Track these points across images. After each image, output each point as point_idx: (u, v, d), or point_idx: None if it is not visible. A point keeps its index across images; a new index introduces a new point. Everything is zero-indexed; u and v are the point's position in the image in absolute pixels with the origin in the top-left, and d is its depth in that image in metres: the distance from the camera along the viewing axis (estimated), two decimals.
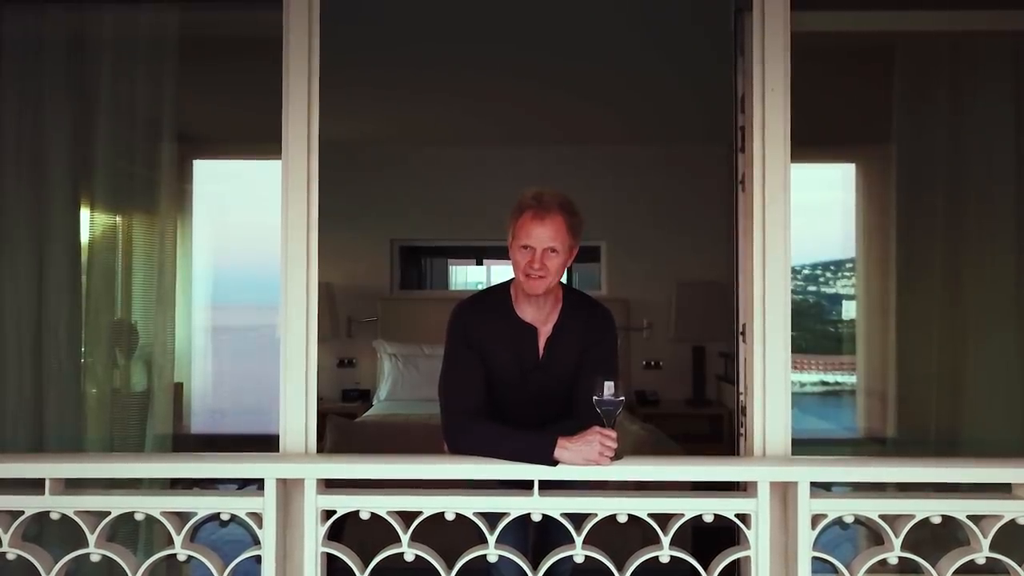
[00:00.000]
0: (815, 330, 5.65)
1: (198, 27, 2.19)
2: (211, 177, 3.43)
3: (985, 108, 2.15)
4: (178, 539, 1.68)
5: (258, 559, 1.70)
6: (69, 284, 2.07)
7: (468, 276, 8.78)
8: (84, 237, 2.12)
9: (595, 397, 1.60)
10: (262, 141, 2.51)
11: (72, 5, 2.08)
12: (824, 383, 5.49)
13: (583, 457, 1.59)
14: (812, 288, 6.12)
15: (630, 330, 5.26)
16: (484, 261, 8.27)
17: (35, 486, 1.70)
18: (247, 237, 4.82)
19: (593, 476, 1.65)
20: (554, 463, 1.61)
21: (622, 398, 1.60)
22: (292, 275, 1.81)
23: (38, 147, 2.07)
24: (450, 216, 5.36)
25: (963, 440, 2.11)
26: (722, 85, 2.14)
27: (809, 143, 3.37)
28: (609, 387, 1.58)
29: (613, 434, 1.60)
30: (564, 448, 1.60)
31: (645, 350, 5.30)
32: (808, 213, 2.73)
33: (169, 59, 2.12)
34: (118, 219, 2.22)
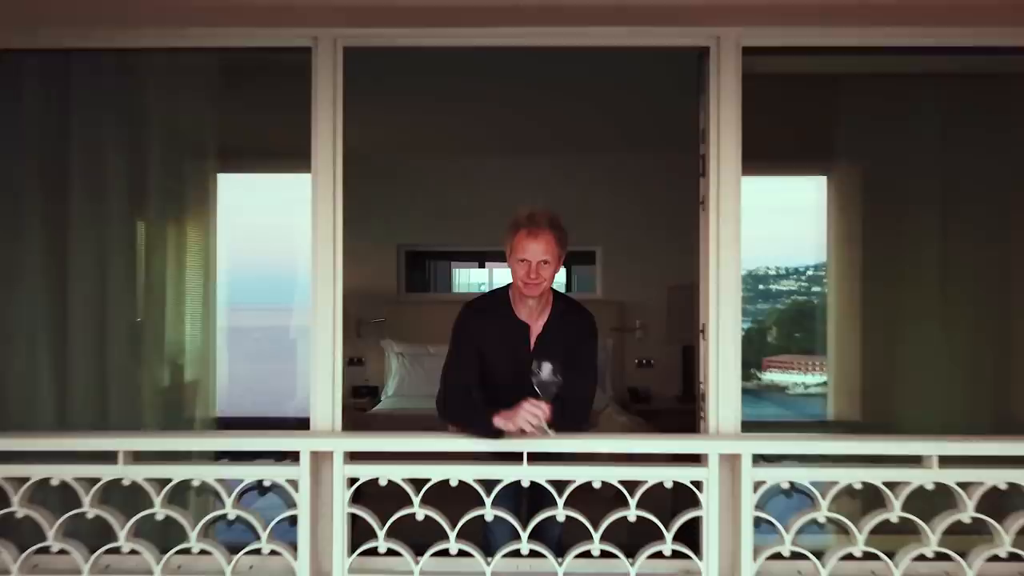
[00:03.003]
0: (819, 331, 5.92)
1: (228, 60, 2.51)
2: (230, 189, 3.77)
3: (918, 134, 2.48)
4: (228, 501, 2.02)
5: (293, 519, 2.04)
6: (127, 286, 2.40)
7: (471, 278, 9.09)
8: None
9: (532, 375, 1.93)
10: (277, 156, 2.85)
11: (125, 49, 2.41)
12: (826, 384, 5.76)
13: (513, 422, 1.92)
14: (816, 288, 6.31)
15: (624, 330, 5.59)
16: (486, 264, 8.59)
17: (107, 458, 2.05)
18: (255, 244, 5.13)
19: (580, 449, 2.00)
20: (497, 433, 1.95)
21: (558, 378, 1.93)
22: (321, 279, 2.15)
23: (98, 165, 2.40)
24: (454, 221, 5.68)
25: (913, 421, 2.41)
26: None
27: (786, 157, 3.69)
28: (546, 367, 1.93)
29: (542, 405, 1.93)
30: (498, 416, 1.94)
31: (638, 349, 5.62)
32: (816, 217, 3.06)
33: (205, 90, 2.44)
34: (164, 229, 2.55)
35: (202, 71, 2.38)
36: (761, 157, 2.31)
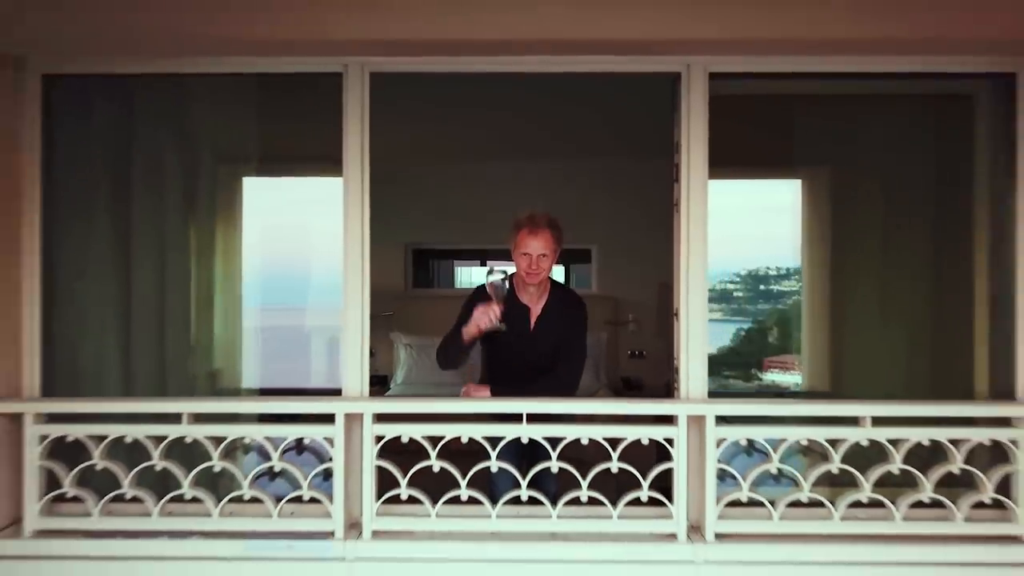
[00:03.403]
0: None
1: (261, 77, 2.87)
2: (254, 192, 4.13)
3: (868, 144, 2.86)
4: (275, 455, 2.41)
5: (326, 474, 2.42)
6: (178, 277, 2.78)
7: (472, 276, 9.48)
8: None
9: (486, 278, 2.50)
10: (300, 161, 3.21)
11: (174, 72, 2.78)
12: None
13: (475, 323, 2.49)
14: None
15: (617, 324, 5.97)
16: (487, 262, 9.00)
17: (171, 420, 2.43)
18: (275, 245, 5.47)
19: (573, 410, 2.38)
20: (463, 338, 2.55)
21: (505, 284, 2.52)
22: (351, 269, 2.52)
23: (152, 172, 2.76)
24: (456, 222, 6.08)
25: (866, 390, 2.77)
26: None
27: (764, 163, 4.06)
28: (497, 274, 2.49)
29: (494, 306, 2.52)
30: (464, 326, 2.48)
31: (631, 342, 6.00)
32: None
33: (240, 104, 2.82)
34: (205, 228, 2.92)
35: (240, 88, 2.76)
36: (742, 163, 2.69)
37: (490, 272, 2.50)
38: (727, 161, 2.66)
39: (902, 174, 2.84)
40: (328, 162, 2.69)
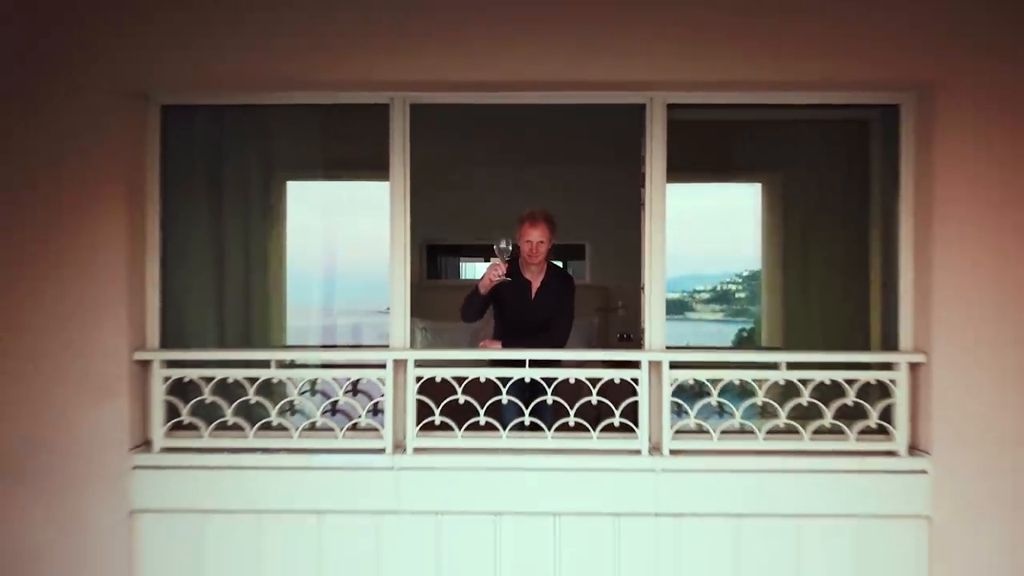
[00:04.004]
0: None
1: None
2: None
3: (805, 157, 3.68)
4: (339, 391, 3.22)
5: (375, 408, 3.23)
6: (259, 262, 3.60)
7: (476, 272, 10.33)
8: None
9: (495, 244, 3.33)
10: (347, 167, 4.04)
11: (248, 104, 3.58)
12: None
13: (487, 276, 3.33)
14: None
15: (608, 310, 6.78)
16: (491, 258, 9.83)
17: (261, 365, 3.24)
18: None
19: (561, 357, 3.19)
20: (480, 292, 3.37)
21: (509, 247, 3.34)
22: (396, 259, 3.33)
23: (239, 178, 3.58)
24: (467, 221, 6.89)
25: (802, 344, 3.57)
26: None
27: (727, 168, 4.87)
28: (504, 241, 3.33)
29: (499, 264, 3.35)
30: (479, 283, 3.28)
31: (620, 326, 6.78)
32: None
33: (304, 127, 3.64)
34: (265, 223, 3.75)
35: (303, 112, 3.57)
36: (711, 169, 3.53)
37: (501, 242, 3.33)
38: (691, 168, 3.48)
39: (819, 182, 3.67)
40: (370, 167, 3.53)
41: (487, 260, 10.32)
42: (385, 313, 3.33)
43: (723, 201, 5.78)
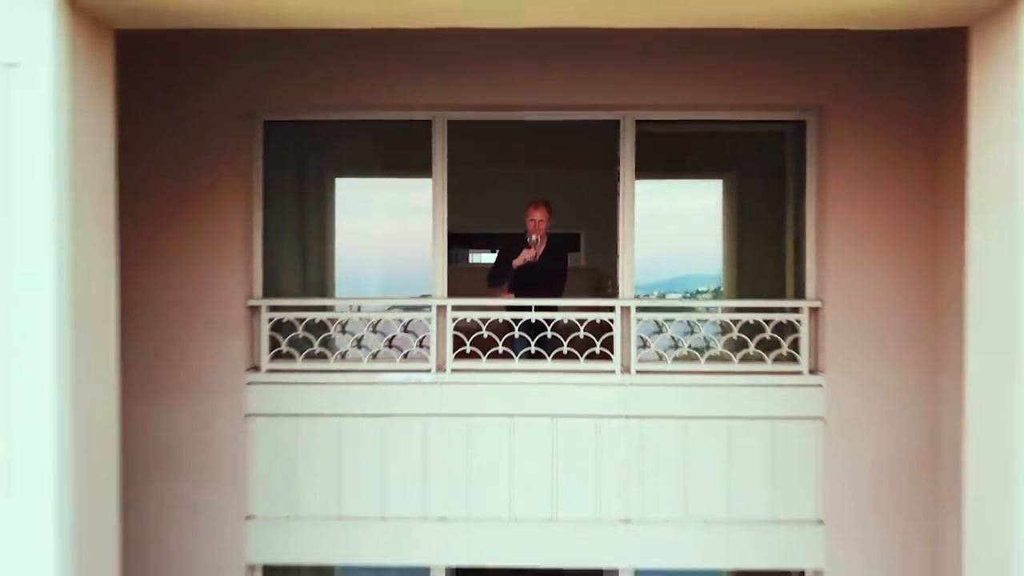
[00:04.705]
0: None
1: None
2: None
3: (758, 160, 4.90)
4: (398, 328, 4.43)
5: (421, 341, 4.45)
6: (328, 236, 4.83)
7: (481, 257, 11.65)
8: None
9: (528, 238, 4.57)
10: (391, 168, 5.28)
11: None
12: None
13: (522, 257, 4.57)
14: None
15: (599, 290, 7.99)
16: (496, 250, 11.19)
17: (335, 311, 4.46)
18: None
19: (560, 303, 4.42)
20: (513, 266, 4.56)
21: (536, 240, 4.56)
22: (438, 243, 4.54)
23: (317, 176, 4.81)
24: (476, 214, 8.10)
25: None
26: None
27: (697, 168, 6.08)
28: (534, 237, 4.62)
29: (532, 251, 4.56)
30: (509, 261, 4.55)
31: None
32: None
33: (359, 139, 4.88)
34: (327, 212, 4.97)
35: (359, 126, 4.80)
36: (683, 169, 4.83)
37: (529, 237, 4.59)
38: (664, 168, 4.72)
39: (758, 178, 4.90)
40: (411, 168, 4.77)
41: (493, 251, 11.69)
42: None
43: (695, 194, 7.04)
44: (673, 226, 6.43)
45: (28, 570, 2.51)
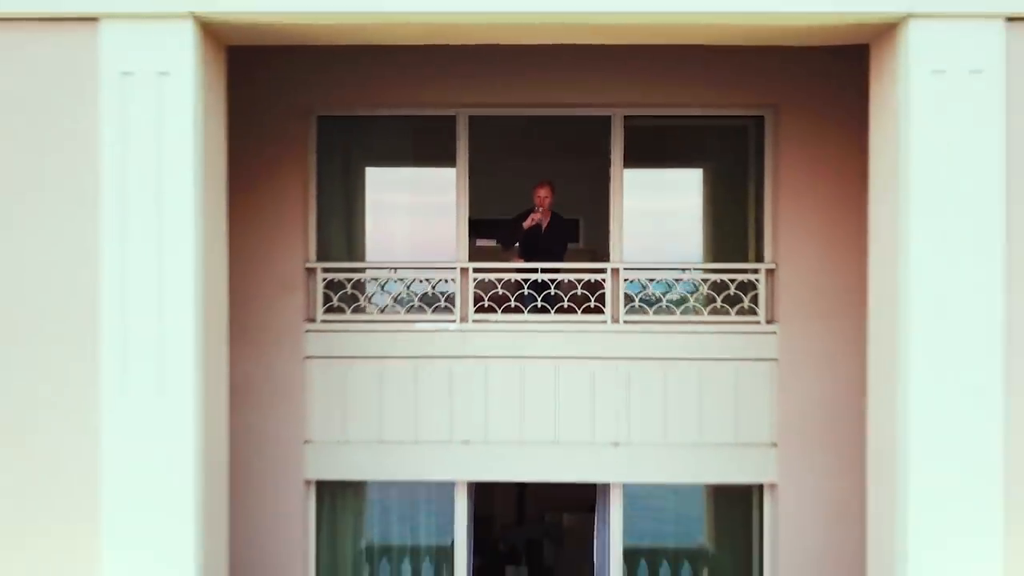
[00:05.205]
0: None
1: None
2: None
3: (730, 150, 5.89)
4: (430, 287, 5.41)
5: (449, 298, 5.43)
6: (361, 214, 5.81)
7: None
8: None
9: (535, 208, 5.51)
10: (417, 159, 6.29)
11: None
12: None
13: (530, 218, 5.55)
14: None
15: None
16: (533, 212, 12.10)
17: (378, 271, 5.44)
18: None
19: (560, 266, 5.41)
20: (524, 227, 5.55)
21: (541, 211, 5.49)
22: (461, 223, 5.51)
23: (355, 167, 5.78)
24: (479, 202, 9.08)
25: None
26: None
27: (677, 157, 7.08)
28: (540, 209, 5.54)
29: (538, 214, 5.54)
30: (520, 224, 5.52)
31: None
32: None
33: (396, 136, 5.86)
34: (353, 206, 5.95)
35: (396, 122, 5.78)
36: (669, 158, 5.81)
37: (537, 209, 5.60)
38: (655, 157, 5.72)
39: (730, 166, 5.88)
40: (436, 158, 5.76)
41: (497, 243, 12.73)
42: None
43: (678, 181, 8.05)
44: (660, 205, 7.45)
45: (176, 456, 3.44)
